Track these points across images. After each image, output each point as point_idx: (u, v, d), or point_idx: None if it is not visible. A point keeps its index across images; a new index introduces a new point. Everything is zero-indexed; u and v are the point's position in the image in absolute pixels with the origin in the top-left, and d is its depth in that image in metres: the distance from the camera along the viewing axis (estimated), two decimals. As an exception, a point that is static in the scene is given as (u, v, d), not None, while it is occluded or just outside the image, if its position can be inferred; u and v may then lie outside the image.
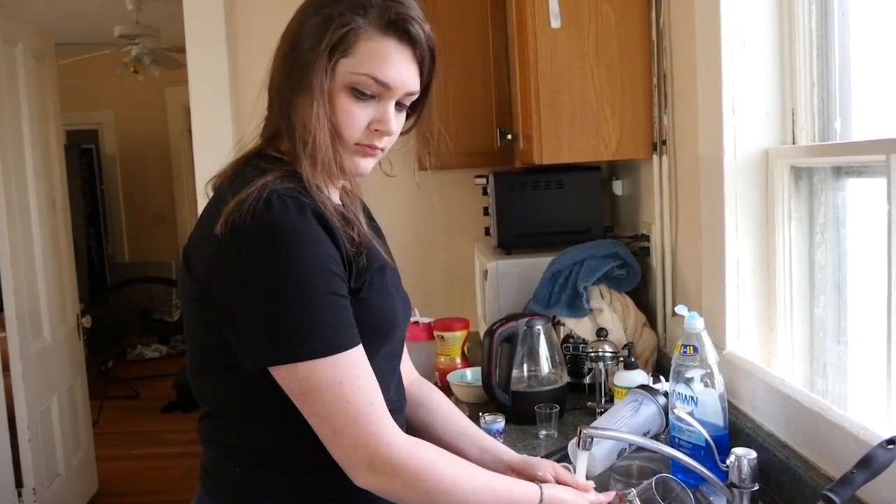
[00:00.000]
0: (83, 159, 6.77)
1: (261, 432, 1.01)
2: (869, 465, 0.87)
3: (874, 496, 1.00)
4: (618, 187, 2.32)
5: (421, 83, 1.05)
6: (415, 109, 1.10)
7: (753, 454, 1.13)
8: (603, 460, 1.33)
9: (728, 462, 1.14)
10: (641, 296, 2.02)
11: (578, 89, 1.87)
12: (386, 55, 0.99)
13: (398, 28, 0.99)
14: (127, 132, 7.04)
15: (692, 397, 1.31)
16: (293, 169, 1.00)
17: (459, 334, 1.98)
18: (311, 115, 0.97)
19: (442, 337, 1.98)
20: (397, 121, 1.04)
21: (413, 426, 1.22)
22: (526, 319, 1.70)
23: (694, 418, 1.30)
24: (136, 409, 5.26)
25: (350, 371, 0.93)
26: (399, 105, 1.04)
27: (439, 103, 2.42)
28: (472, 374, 1.87)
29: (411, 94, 1.04)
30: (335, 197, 1.08)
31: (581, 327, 1.84)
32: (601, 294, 1.86)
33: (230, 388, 1.01)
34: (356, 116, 1.00)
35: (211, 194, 1.06)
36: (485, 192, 2.29)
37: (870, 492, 0.97)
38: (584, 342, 1.81)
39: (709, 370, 1.30)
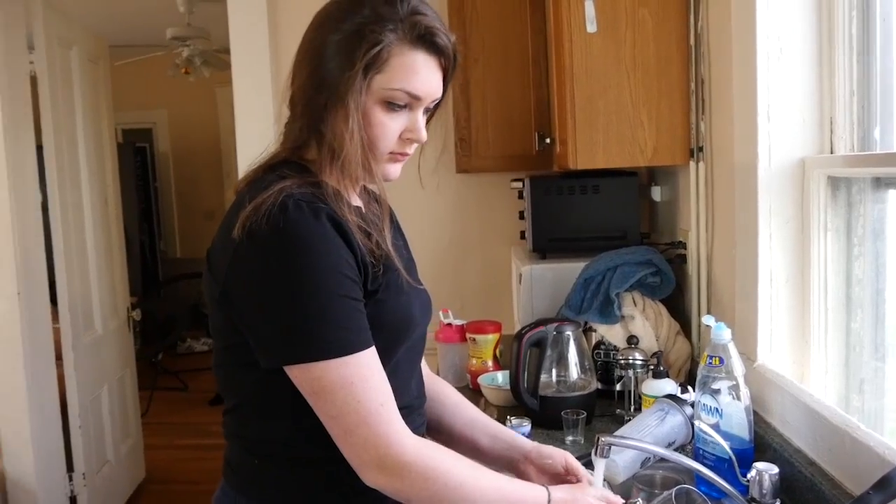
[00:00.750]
0: (137, 158, 6.96)
1: (279, 427, 1.03)
2: (887, 486, 0.86)
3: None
4: (657, 193, 2.30)
5: (444, 88, 1.07)
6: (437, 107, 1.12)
7: (775, 469, 1.12)
8: (626, 469, 1.32)
9: (749, 476, 1.12)
10: (677, 303, 2.00)
11: (614, 94, 1.86)
12: (417, 69, 1.01)
13: (426, 41, 1.01)
14: (180, 131, 7.21)
15: (717, 409, 1.29)
16: (313, 176, 1.02)
17: (491, 337, 1.98)
18: (346, 130, 0.99)
19: (474, 339, 1.99)
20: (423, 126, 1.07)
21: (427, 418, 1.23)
22: (555, 325, 1.70)
23: (719, 430, 1.29)
24: (184, 400, 5.38)
25: (361, 372, 0.95)
26: (426, 110, 1.06)
27: (478, 107, 2.45)
28: (502, 378, 1.88)
29: (436, 100, 1.07)
30: (355, 200, 1.10)
31: (612, 334, 1.82)
32: (634, 301, 1.85)
33: (251, 384, 1.04)
34: (389, 128, 1.02)
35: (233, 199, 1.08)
36: (521, 196, 2.29)
37: None
38: (616, 349, 1.80)
39: (735, 382, 1.28)
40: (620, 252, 1.91)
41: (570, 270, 2.01)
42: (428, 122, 1.10)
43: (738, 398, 1.28)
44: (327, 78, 1.00)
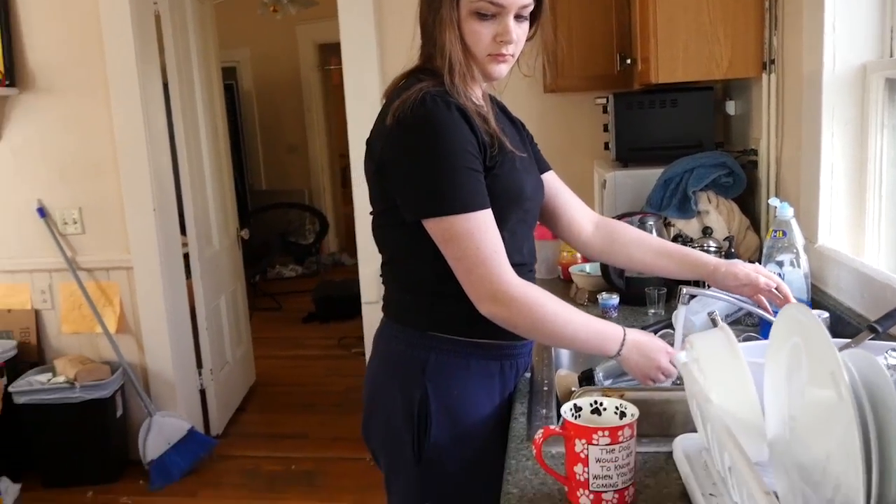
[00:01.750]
0: (224, 95, 7.31)
1: (421, 270, 1.35)
2: (910, 304, 1.11)
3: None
4: (731, 107, 2.51)
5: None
6: (535, 18, 1.35)
7: (826, 314, 1.38)
8: (701, 328, 1.60)
9: (805, 321, 1.39)
10: (748, 204, 2.23)
11: (693, 14, 2.07)
12: None
13: None
14: (262, 69, 7.50)
15: (781, 275, 1.55)
16: (440, 79, 1.30)
17: (581, 234, 2.26)
18: (446, 40, 1.28)
19: (565, 236, 2.26)
20: (519, 30, 1.31)
21: (614, 259, 1.56)
22: (640, 216, 1.96)
23: (782, 293, 1.54)
24: (279, 319, 5.84)
25: (480, 226, 1.24)
26: (519, 17, 1.30)
27: (564, 31, 2.68)
28: (590, 268, 2.16)
29: (525, 6, 1.28)
30: (475, 97, 1.36)
31: (689, 227, 2.08)
32: (709, 199, 2.10)
33: (400, 238, 1.35)
34: (481, 34, 1.28)
35: (384, 101, 1.38)
36: (605, 111, 2.53)
37: None
38: (691, 240, 2.05)
39: (795, 253, 1.54)
40: (697, 156, 2.15)
41: (649, 176, 2.26)
42: (532, 29, 1.34)
43: (798, 266, 1.54)
44: (431, 3, 1.30)
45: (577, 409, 1.08)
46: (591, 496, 1.02)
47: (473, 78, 1.33)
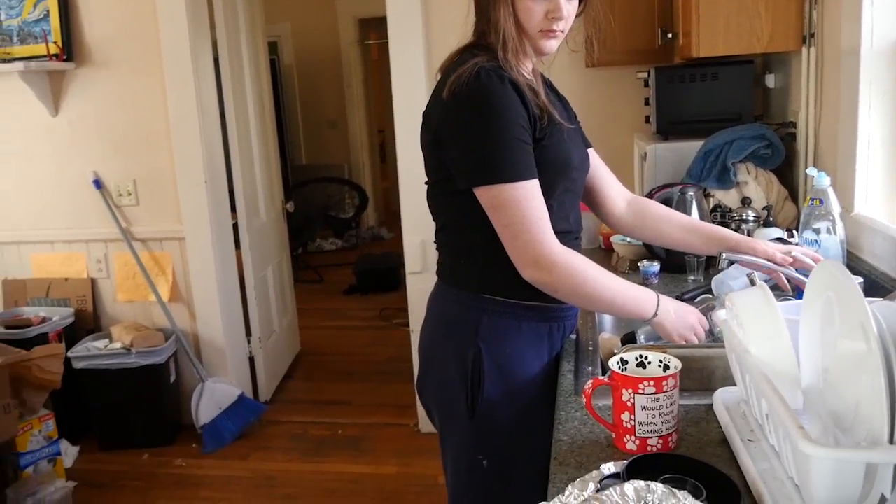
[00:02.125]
0: (267, 70, 7.42)
1: (473, 236, 1.43)
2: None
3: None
4: (770, 80, 2.54)
5: None
6: None
7: (860, 279, 1.44)
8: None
9: (841, 285, 1.45)
10: (786, 175, 2.28)
11: (735, -11, 2.12)
12: None
13: None
14: (302, 44, 7.59)
15: (817, 241, 1.61)
16: (494, 54, 1.38)
17: (621, 204, 2.33)
18: (500, 17, 1.35)
19: (606, 207, 2.34)
20: (570, 6, 1.38)
21: (644, 235, 1.66)
22: (680, 187, 2.02)
23: (818, 259, 1.61)
24: (321, 291, 5.99)
25: (527, 194, 1.31)
26: None
27: (607, 5, 2.71)
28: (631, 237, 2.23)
29: None
30: (526, 72, 1.44)
31: (728, 198, 2.14)
32: (748, 170, 2.15)
33: (454, 206, 1.44)
34: (534, 11, 1.35)
35: (439, 76, 1.46)
36: (646, 85, 2.59)
37: None
38: (730, 210, 2.11)
39: (832, 220, 1.60)
40: (736, 129, 2.20)
41: (689, 149, 2.32)
42: (581, 5, 1.41)
43: (834, 232, 1.60)
44: None
45: (624, 362, 1.16)
46: (638, 441, 1.10)
47: (525, 53, 1.41)
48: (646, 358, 1.16)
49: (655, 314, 1.37)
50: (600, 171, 1.65)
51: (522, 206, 1.32)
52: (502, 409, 1.44)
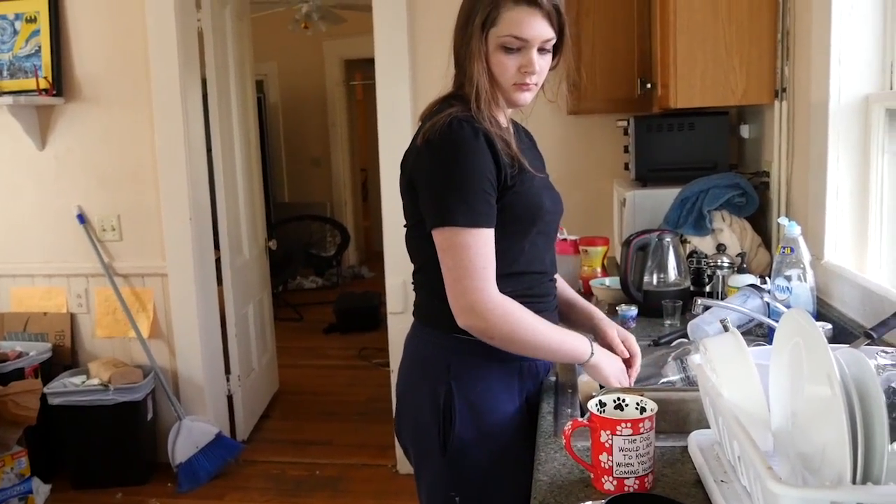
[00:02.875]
0: (254, 108, 7.49)
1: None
2: (903, 315, 1.23)
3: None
4: (745, 131, 2.63)
5: (555, 29, 1.41)
6: (557, 50, 1.48)
7: (829, 325, 1.50)
8: (714, 335, 1.71)
9: (811, 331, 1.50)
10: (760, 223, 2.35)
11: (711, 44, 2.20)
12: (521, 20, 1.38)
13: None
14: (288, 83, 7.68)
15: (788, 288, 1.67)
16: (470, 105, 1.43)
17: (601, 248, 2.38)
18: (475, 70, 1.41)
19: (586, 251, 2.39)
20: (542, 61, 1.44)
21: None
22: (657, 233, 2.08)
23: (789, 306, 1.66)
24: (301, 329, 5.98)
25: (477, 241, 1.36)
26: (542, 50, 1.41)
27: (588, 56, 2.82)
28: (610, 281, 2.28)
29: (547, 40, 1.41)
30: (501, 122, 1.49)
31: (704, 244, 2.20)
32: (723, 217, 2.22)
33: (429, 248, 1.45)
34: (507, 65, 1.41)
35: (419, 123, 1.51)
36: (625, 133, 2.66)
37: None
38: (706, 256, 2.17)
39: (802, 268, 1.65)
40: (712, 177, 2.27)
41: (667, 196, 2.38)
42: (555, 59, 1.47)
43: (805, 280, 1.66)
44: (465, 33, 1.44)
45: (602, 404, 1.20)
46: (615, 482, 1.12)
47: (498, 105, 1.47)
48: (623, 400, 1.20)
49: (591, 356, 1.44)
50: None
51: (470, 252, 1.36)
52: (474, 447, 1.47)
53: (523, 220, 1.45)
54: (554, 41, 1.43)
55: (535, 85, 1.46)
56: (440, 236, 1.38)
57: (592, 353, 1.45)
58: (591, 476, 1.17)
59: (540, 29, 1.39)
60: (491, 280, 1.37)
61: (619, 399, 1.20)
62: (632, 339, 1.60)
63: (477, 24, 1.40)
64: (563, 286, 1.73)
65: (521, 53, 1.40)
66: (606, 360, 1.47)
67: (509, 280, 1.44)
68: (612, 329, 1.61)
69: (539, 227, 1.49)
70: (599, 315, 1.66)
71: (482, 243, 1.37)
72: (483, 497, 1.49)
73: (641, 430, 1.11)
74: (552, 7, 1.40)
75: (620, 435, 1.11)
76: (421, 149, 1.41)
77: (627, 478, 1.12)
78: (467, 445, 1.47)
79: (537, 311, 1.43)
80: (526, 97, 1.46)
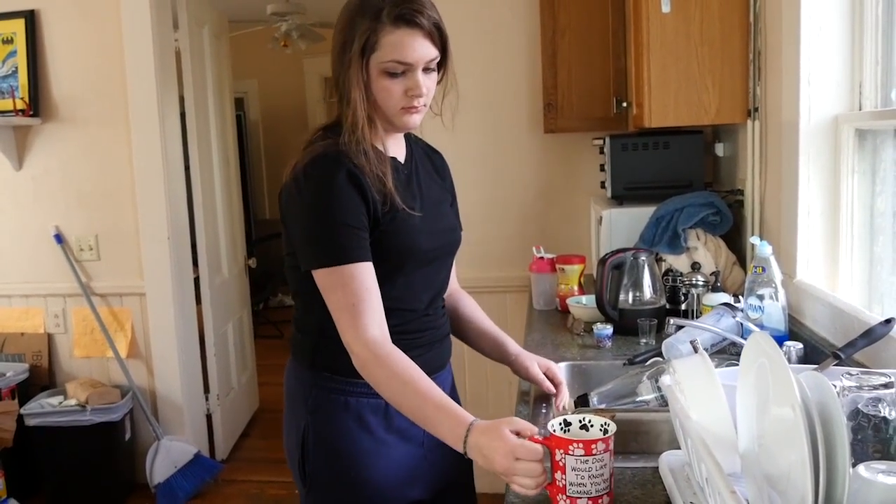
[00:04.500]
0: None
1: (307, 310, 1.46)
2: (869, 336, 1.25)
3: (871, 357, 1.40)
4: (720, 149, 2.66)
5: (437, 47, 1.37)
6: (441, 65, 1.43)
7: (800, 345, 1.51)
8: (688, 354, 1.72)
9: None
10: (735, 241, 2.37)
11: (684, 64, 2.22)
12: (401, 43, 1.33)
13: (405, 20, 1.32)
14: (269, 101, 7.69)
15: (760, 307, 1.68)
16: (341, 137, 1.36)
17: (577, 267, 2.39)
18: (354, 99, 1.35)
19: (563, 269, 2.40)
20: (428, 81, 1.38)
21: (453, 328, 1.63)
22: (633, 252, 2.09)
23: (762, 325, 1.68)
24: (281, 347, 5.91)
25: (345, 279, 1.32)
26: (427, 70, 1.37)
27: (564, 75, 2.84)
28: (586, 300, 2.28)
29: (431, 61, 1.37)
30: (389, 149, 1.44)
31: (679, 263, 2.22)
32: (697, 236, 2.24)
33: (296, 280, 1.45)
34: (393, 90, 1.36)
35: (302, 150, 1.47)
36: (601, 152, 2.68)
37: (868, 354, 1.35)
38: (681, 274, 2.18)
39: (774, 287, 1.67)
40: (686, 196, 2.29)
41: (642, 214, 2.40)
42: (441, 77, 1.43)
43: (777, 299, 1.67)
44: (341, 65, 1.37)
45: (567, 424, 1.20)
46: (568, 500, 1.13)
47: (378, 135, 1.42)
48: (589, 421, 1.20)
49: (465, 444, 1.20)
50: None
51: (339, 290, 1.33)
52: (330, 484, 1.47)
53: (396, 258, 1.41)
54: (438, 59, 1.39)
55: (424, 106, 1.42)
56: (316, 278, 1.36)
57: (467, 442, 1.19)
58: (548, 494, 1.17)
59: (423, 50, 1.35)
60: (365, 317, 1.32)
61: (585, 420, 1.21)
62: (554, 367, 1.59)
63: (356, 51, 1.34)
64: (475, 314, 1.69)
65: (406, 76, 1.36)
66: (485, 449, 1.16)
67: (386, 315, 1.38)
68: (533, 362, 1.59)
69: (414, 264, 1.45)
70: (516, 349, 1.63)
71: (350, 279, 1.33)
72: None
73: (594, 451, 1.12)
74: (432, 25, 1.36)
75: (573, 455, 1.12)
76: (289, 185, 1.38)
77: (580, 497, 1.13)
78: (324, 484, 1.47)
79: (408, 347, 1.36)
80: (415, 119, 1.42)
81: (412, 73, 1.36)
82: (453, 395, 1.62)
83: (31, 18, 3.30)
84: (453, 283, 1.69)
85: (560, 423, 1.19)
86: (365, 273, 1.34)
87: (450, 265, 1.60)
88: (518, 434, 1.15)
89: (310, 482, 1.48)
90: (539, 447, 1.13)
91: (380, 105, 1.39)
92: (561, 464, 1.13)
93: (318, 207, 1.34)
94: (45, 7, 3.32)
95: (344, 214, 1.33)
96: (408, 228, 1.42)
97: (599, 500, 1.14)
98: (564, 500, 1.14)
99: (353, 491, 1.46)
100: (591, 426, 1.20)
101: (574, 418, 1.21)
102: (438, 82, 1.44)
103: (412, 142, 1.58)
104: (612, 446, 1.14)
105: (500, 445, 1.14)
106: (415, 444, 1.49)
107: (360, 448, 1.44)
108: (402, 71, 1.35)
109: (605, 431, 1.17)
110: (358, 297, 1.32)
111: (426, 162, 1.59)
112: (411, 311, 1.47)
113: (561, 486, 1.14)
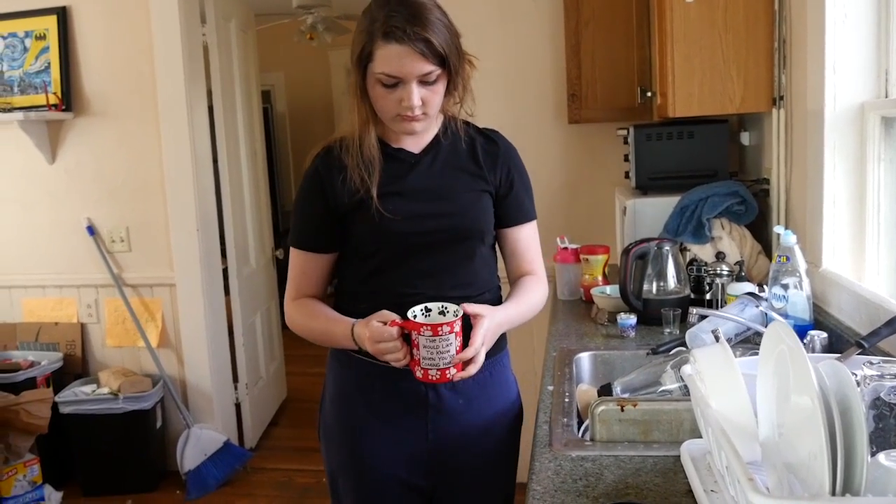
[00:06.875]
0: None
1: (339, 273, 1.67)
2: (892, 324, 1.24)
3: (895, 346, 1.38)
4: (745, 138, 2.64)
5: (432, 61, 1.39)
6: (452, 76, 1.46)
7: (824, 334, 1.51)
8: (711, 343, 1.72)
9: (805, 341, 1.51)
10: (760, 230, 2.36)
11: (708, 53, 2.21)
12: (391, 57, 1.39)
13: (394, 36, 1.37)
14: (295, 93, 7.74)
15: (785, 297, 1.68)
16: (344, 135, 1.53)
17: (601, 257, 2.40)
18: (354, 101, 1.48)
19: (587, 259, 2.41)
20: (426, 92, 1.42)
21: None
22: (657, 241, 2.09)
23: (786, 315, 1.67)
24: (309, 336, 6.00)
25: (293, 259, 1.60)
26: (424, 82, 1.41)
27: (588, 66, 2.83)
28: (610, 290, 2.29)
29: (425, 74, 1.40)
30: (408, 143, 1.54)
31: (703, 252, 2.21)
32: (722, 225, 2.23)
33: None
34: (386, 99, 1.43)
35: None
36: (625, 142, 2.68)
37: (892, 343, 1.34)
38: (706, 264, 2.18)
39: (799, 276, 1.67)
40: (711, 185, 2.28)
41: (667, 204, 2.39)
42: (450, 89, 1.47)
43: (801, 288, 1.67)
44: (353, 69, 1.46)
45: (428, 310, 1.43)
46: (422, 371, 1.40)
47: (386, 128, 1.52)
48: (446, 308, 1.43)
49: (353, 330, 1.48)
50: (518, 246, 1.68)
51: (291, 267, 1.61)
52: (325, 435, 1.68)
53: (364, 246, 1.54)
54: (437, 72, 1.41)
55: (424, 115, 1.45)
56: None
57: (354, 338, 1.47)
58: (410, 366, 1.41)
59: (412, 66, 1.38)
60: (291, 290, 1.61)
61: (442, 306, 1.43)
62: (479, 319, 1.45)
63: (358, 58, 1.43)
64: (514, 287, 1.67)
65: (399, 88, 1.41)
66: (359, 338, 1.45)
67: (367, 296, 1.55)
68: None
69: (384, 255, 1.53)
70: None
71: (294, 262, 1.60)
72: (333, 487, 1.68)
73: (440, 333, 1.35)
74: (422, 42, 1.37)
75: (423, 335, 1.36)
76: None
77: (430, 369, 1.38)
78: (324, 432, 1.67)
79: None
80: (413, 126, 1.47)
81: (405, 85, 1.41)
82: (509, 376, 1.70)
83: (62, 15, 3.36)
84: (520, 269, 1.67)
85: (421, 310, 1.42)
86: (302, 258, 1.59)
87: (462, 252, 1.57)
88: (385, 323, 1.40)
89: (320, 434, 1.69)
90: (393, 330, 1.38)
91: (377, 111, 1.48)
92: (416, 343, 1.38)
93: (297, 197, 1.59)
94: (76, 3, 3.38)
95: (303, 204, 1.57)
96: (373, 218, 1.49)
97: (447, 371, 1.39)
98: (420, 371, 1.40)
99: (337, 446, 1.64)
100: (447, 312, 1.42)
101: (435, 305, 1.43)
102: (448, 92, 1.49)
103: (453, 128, 1.59)
104: (457, 328, 1.37)
105: (365, 332, 1.42)
106: (416, 416, 1.59)
107: (361, 403, 1.59)
108: (394, 83, 1.41)
109: (456, 315, 1.39)
110: (292, 276, 1.61)
111: (460, 147, 1.58)
112: (410, 296, 1.48)
113: (416, 359, 1.39)
